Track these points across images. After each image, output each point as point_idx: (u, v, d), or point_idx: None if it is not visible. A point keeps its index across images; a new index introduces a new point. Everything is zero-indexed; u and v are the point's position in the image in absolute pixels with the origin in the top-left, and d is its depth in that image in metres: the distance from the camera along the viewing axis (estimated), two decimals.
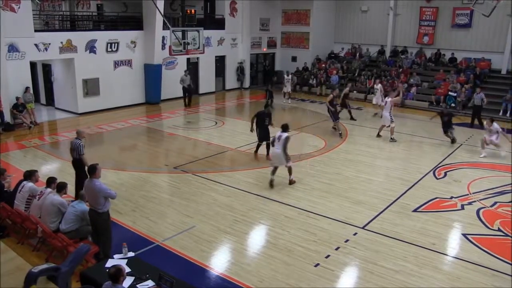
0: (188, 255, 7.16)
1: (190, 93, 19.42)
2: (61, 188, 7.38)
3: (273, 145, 10.16)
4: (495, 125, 12.67)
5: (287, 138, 9.83)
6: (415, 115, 18.44)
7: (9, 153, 12.40)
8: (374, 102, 18.23)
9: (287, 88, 20.69)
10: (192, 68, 21.55)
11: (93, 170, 6.75)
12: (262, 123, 11.90)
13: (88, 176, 6.87)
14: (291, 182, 10.28)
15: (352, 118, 17.07)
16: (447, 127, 14.07)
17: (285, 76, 21.01)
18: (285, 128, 10.04)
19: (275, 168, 10.14)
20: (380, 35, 24.04)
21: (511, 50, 19.94)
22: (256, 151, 12.32)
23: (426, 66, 22.17)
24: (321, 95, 22.50)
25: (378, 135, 14.67)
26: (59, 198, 7.19)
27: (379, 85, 17.89)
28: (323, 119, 17.12)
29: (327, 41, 25.93)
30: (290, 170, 10.22)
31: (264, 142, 11.97)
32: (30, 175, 7.87)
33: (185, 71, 19.57)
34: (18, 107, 15.07)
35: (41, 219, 7.09)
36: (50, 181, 7.51)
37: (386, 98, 14.85)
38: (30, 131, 14.87)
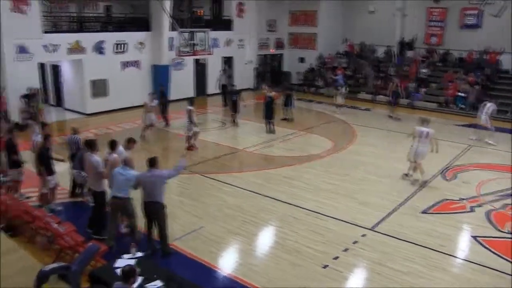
0: (197, 255, 7.17)
1: (226, 92, 18.79)
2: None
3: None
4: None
5: None
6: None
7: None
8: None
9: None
10: (200, 69, 21.59)
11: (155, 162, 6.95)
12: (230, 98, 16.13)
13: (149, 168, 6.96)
14: None
15: (234, 124, 16.40)
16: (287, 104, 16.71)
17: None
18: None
19: None
20: (388, 35, 23.88)
21: None
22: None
23: (435, 66, 21.98)
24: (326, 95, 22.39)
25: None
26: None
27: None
28: (330, 120, 17.08)
29: (334, 42, 25.84)
30: None
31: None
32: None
33: (220, 70, 19.41)
34: (28, 96, 15.07)
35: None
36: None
37: None
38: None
